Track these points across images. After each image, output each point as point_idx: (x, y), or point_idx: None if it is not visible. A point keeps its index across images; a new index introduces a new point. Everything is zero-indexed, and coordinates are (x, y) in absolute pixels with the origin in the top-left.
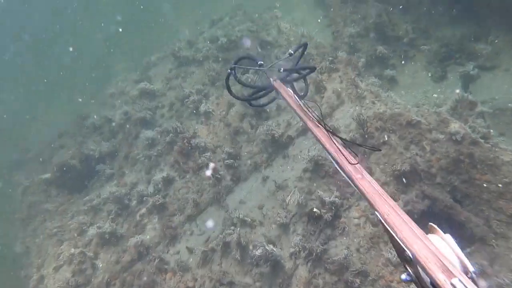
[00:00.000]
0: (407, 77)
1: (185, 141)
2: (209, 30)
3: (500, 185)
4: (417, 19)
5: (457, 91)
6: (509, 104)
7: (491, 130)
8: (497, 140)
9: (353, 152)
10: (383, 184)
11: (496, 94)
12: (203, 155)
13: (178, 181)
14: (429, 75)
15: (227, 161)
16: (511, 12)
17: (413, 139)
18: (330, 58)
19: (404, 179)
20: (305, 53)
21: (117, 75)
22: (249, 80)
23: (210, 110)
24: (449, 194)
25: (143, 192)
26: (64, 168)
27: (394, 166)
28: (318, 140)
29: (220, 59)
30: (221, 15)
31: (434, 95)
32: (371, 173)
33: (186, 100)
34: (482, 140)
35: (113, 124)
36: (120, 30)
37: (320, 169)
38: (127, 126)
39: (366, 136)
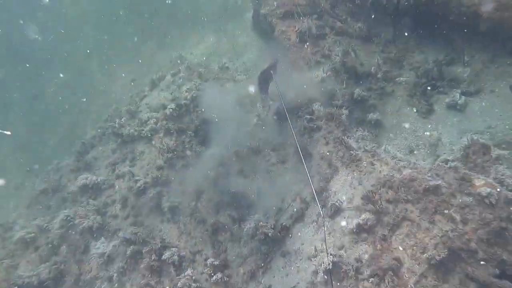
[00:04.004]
0: (391, 117)
1: (152, 256)
2: (151, 93)
3: None
4: (384, 48)
5: (468, 136)
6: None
7: None
8: None
9: None
10: (420, 277)
11: (491, 122)
12: (182, 273)
13: None
14: (414, 110)
15: (214, 277)
16: (479, 32)
17: (437, 209)
18: (308, 116)
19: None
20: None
21: (47, 161)
22: None
23: (176, 204)
24: (498, 269)
25: None
26: None
27: (426, 251)
28: None
29: (172, 130)
30: (162, 73)
31: (426, 133)
32: (400, 264)
33: (142, 196)
34: None
35: (51, 236)
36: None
37: (335, 268)
38: (71, 236)
39: (380, 212)
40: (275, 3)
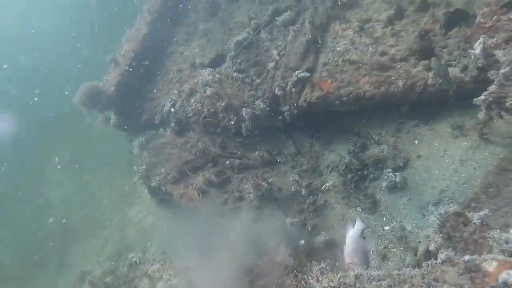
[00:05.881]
0: (340, 229)
1: None
2: None
3: None
4: (294, 164)
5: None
6: None
7: None
8: None
9: None
10: None
11: (439, 185)
12: None
13: None
14: (360, 210)
15: None
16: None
17: None
18: None
19: None
20: None
21: None
22: None
23: None
24: None
25: None
26: None
27: None
28: None
29: None
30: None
31: (385, 228)
32: None
33: None
34: None
35: None
36: None
37: None
38: None
39: None
40: (162, 170)
